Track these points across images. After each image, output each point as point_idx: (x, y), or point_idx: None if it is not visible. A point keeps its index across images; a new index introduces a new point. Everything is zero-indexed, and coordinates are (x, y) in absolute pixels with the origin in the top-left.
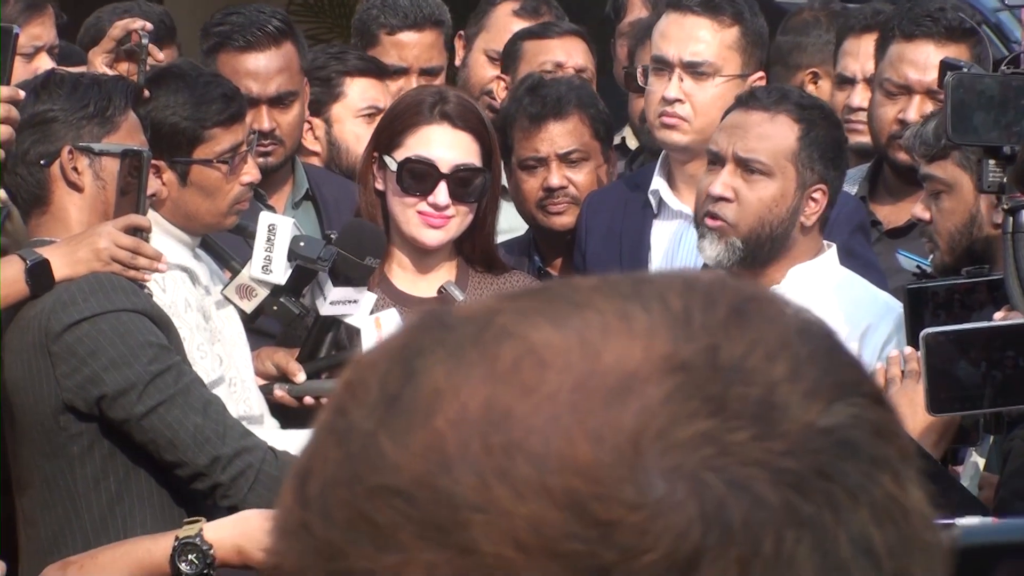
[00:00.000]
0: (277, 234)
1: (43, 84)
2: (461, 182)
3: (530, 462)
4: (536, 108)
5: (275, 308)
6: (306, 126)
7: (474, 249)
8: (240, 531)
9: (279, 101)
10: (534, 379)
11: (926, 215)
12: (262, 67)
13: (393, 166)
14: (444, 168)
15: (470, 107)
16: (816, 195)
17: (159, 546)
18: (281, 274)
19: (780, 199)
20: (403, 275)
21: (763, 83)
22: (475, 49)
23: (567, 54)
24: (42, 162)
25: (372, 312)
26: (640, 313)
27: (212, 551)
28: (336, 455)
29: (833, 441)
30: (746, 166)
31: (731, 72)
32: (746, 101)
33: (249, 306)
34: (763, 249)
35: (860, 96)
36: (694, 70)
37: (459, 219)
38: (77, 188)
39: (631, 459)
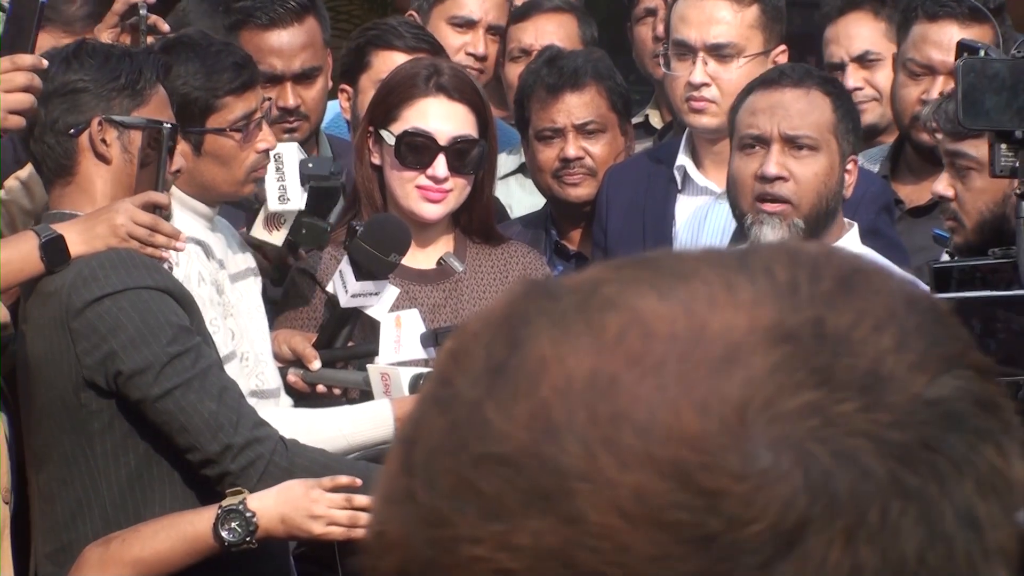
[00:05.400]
0: (284, 161)
1: (74, 53)
2: (459, 154)
3: (636, 432)
4: (553, 79)
5: (304, 232)
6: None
7: (471, 220)
8: (283, 500)
9: (303, 77)
10: (640, 349)
11: (950, 192)
12: (286, 44)
13: (391, 140)
14: (442, 140)
15: (465, 78)
16: (850, 167)
17: (202, 517)
18: (299, 199)
19: (830, 172)
20: None
21: (785, 57)
22: (434, 18)
23: (536, 35)
24: (71, 131)
25: (392, 308)
26: (746, 284)
27: (255, 519)
28: (441, 423)
29: (939, 413)
30: (794, 143)
31: (754, 50)
32: (777, 79)
33: (279, 236)
34: (820, 226)
35: (853, 77)
36: (718, 52)
37: (457, 192)
38: (105, 160)
39: (737, 429)
